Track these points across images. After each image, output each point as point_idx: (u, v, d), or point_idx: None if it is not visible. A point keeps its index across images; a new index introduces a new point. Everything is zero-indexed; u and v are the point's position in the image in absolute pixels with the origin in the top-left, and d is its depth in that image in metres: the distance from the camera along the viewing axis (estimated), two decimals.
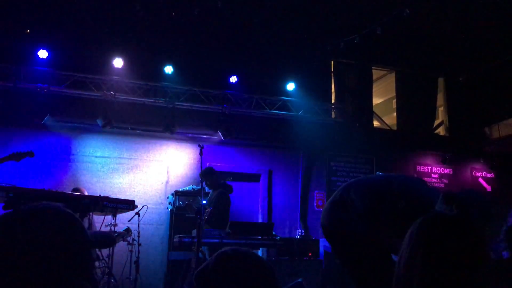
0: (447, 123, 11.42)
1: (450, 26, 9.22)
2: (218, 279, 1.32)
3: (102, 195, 5.09)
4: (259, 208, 9.75)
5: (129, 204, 4.65)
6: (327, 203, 3.32)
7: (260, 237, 6.48)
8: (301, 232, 9.39)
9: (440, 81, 11.50)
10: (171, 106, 8.83)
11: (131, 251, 7.26)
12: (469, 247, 1.32)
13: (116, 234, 6.63)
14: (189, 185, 8.47)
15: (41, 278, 0.97)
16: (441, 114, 11.76)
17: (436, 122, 11.48)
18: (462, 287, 1.25)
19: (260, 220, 9.46)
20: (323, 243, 8.98)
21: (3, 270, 0.96)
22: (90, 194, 6.00)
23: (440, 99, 11.56)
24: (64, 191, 6.73)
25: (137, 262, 7.00)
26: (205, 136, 9.21)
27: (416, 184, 3.10)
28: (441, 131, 11.50)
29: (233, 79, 9.24)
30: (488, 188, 11.10)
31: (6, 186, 3.70)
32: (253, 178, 9.83)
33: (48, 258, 0.99)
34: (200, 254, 5.63)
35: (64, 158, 8.57)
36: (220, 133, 9.02)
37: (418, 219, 1.49)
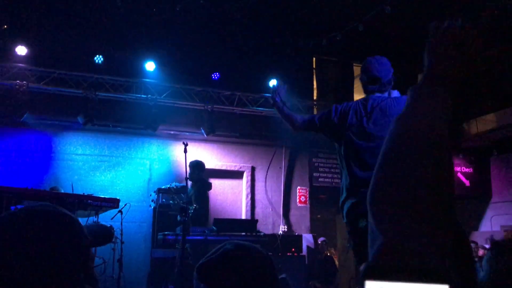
0: None
1: (429, 23, 9.35)
2: (222, 272, 1.34)
3: (85, 193, 5.04)
4: (243, 204, 9.77)
5: (113, 202, 4.62)
6: None
7: (244, 233, 6.49)
8: (284, 228, 9.44)
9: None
10: (153, 103, 8.77)
11: (113, 249, 7.20)
12: None
13: None
14: (172, 182, 8.43)
15: (40, 279, 0.97)
16: None
17: None
18: None
19: (243, 217, 9.48)
20: (306, 239, 9.04)
21: (1, 272, 0.96)
22: (70, 193, 5.93)
23: None
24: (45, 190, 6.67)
25: (120, 260, 6.95)
26: (187, 133, 9.16)
27: None
28: None
29: (215, 76, 9.23)
30: (467, 183, 11.32)
31: None
32: (236, 175, 9.85)
33: (47, 259, 0.99)
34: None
35: (44, 156, 8.44)
36: (202, 130, 8.99)
37: None
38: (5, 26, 8.05)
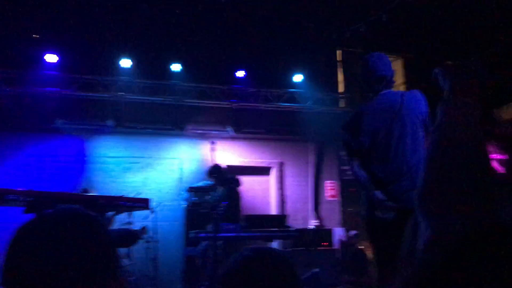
0: None
1: (456, 10, 9.16)
2: (243, 280, 1.34)
3: (117, 195, 5.18)
4: (272, 200, 9.82)
5: (144, 203, 4.74)
6: None
7: (274, 229, 6.54)
8: (315, 223, 9.44)
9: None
10: (180, 104, 8.90)
11: (148, 249, 7.38)
12: None
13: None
14: (202, 180, 8.54)
15: (67, 283, 0.98)
16: None
17: None
18: None
19: (273, 212, 9.53)
20: (337, 233, 9.03)
21: (28, 276, 0.98)
22: (103, 194, 6.10)
23: None
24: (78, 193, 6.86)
25: (155, 259, 7.11)
26: (215, 132, 9.26)
27: None
28: None
29: (240, 73, 9.28)
30: (502, 170, 11.04)
31: (25, 190, 3.79)
32: (265, 171, 9.90)
33: (72, 262, 1.00)
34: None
35: (78, 160, 8.67)
36: (229, 128, 9.08)
37: None
38: (36, 36, 8.29)
